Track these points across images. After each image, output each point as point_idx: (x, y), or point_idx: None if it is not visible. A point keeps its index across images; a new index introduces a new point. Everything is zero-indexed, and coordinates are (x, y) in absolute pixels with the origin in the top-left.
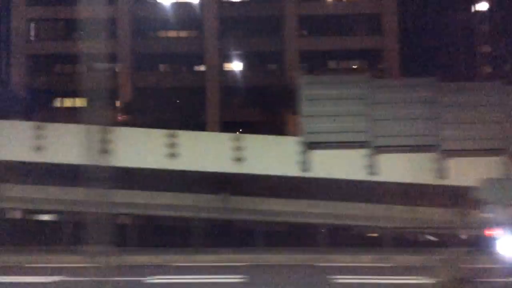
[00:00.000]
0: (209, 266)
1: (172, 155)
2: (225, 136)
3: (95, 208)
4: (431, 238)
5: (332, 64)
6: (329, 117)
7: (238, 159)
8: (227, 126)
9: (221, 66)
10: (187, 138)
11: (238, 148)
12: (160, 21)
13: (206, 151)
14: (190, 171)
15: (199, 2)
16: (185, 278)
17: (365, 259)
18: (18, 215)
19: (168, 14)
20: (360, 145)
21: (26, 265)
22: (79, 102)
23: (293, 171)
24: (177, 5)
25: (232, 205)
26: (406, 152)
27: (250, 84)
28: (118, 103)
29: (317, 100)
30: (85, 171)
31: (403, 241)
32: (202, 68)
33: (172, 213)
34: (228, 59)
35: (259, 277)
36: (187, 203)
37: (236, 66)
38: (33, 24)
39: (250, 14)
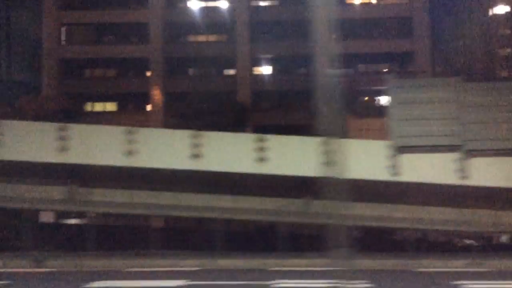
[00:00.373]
0: (309, 271)
1: (262, 160)
2: (314, 140)
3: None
4: (469, 242)
5: (362, 67)
6: (419, 120)
7: (328, 163)
8: (259, 130)
9: (251, 70)
10: (276, 142)
11: (328, 152)
12: (191, 25)
13: (295, 155)
14: (277, 175)
15: (231, 7)
16: (302, 283)
17: (457, 264)
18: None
19: (199, 19)
20: (451, 148)
21: (147, 269)
22: (110, 107)
23: (382, 175)
24: (207, 10)
25: (315, 210)
26: (498, 156)
27: (281, 88)
28: (149, 107)
29: (407, 103)
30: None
31: (441, 245)
32: (232, 72)
33: (254, 217)
34: (258, 63)
35: (385, 283)
36: (268, 207)
37: (266, 70)
38: (64, 29)
39: (280, 18)
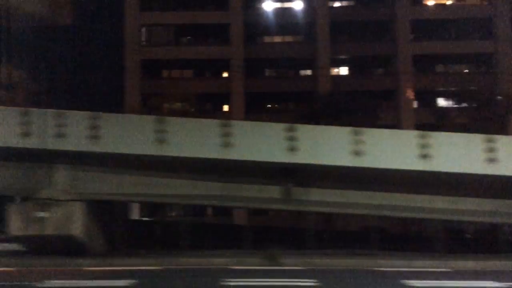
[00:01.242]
0: None
1: (491, 160)
2: None
3: None
4: None
5: (440, 68)
6: None
7: None
8: None
9: (330, 70)
10: (505, 143)
11: None
12: (268, 26)
13: None
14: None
15: (310, 8)
16: None
17: None
18: None
19: (276, 20)
20: None
21: None
22: (186, 107)
23: None
24: (284, 11)
25: None
26: None
27: (358, 88)
28: (226, 108)
29: None
30: None
31: None
32: (308, 72)
33: (471, 219)
34: (336, 63)
35: None
36: (486, 209)
37: (343, 70)
38: (144, 29)
39: (357, 18)
